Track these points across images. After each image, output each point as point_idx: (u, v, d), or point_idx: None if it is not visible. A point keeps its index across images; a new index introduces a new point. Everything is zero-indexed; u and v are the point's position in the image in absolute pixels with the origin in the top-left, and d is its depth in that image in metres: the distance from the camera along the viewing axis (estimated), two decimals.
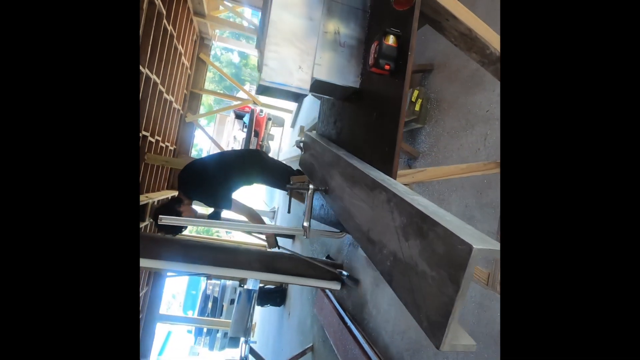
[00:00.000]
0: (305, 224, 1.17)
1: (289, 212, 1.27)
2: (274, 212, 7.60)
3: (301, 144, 1.65)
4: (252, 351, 3.41)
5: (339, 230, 1.32)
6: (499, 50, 1.03)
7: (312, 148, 1.53)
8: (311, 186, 1.19)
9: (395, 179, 0.92)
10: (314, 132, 1.63)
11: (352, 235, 0.96)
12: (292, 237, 5.73)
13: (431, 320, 0.56)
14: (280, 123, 9.33)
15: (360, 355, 2.66)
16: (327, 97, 1.44)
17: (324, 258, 3.63)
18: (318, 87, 1.27)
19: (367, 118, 1.13)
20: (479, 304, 1.64)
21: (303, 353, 3.80)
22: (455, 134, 2.09)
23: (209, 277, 5.69)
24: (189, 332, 8.82)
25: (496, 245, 0.52)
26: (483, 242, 0.52)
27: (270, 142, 9.10)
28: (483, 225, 1.75)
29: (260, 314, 6.81)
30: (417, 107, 2.33)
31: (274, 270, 3.22)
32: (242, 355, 3.36)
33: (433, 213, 0.63)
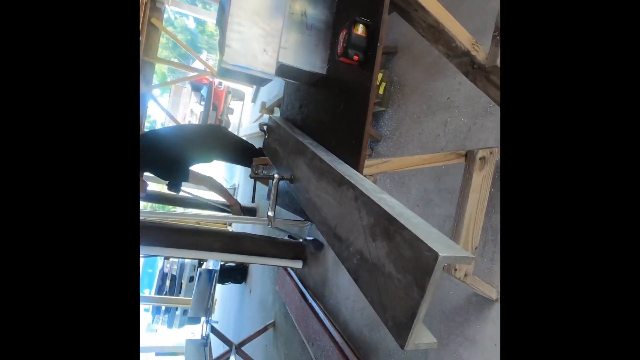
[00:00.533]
0: (270, 213, 1.15)
1: (252, 201, 1.24)
2: (234, 188, 7.45)
3: (265, 127, 1.60)
4: (213, 330, 3.41)
5: (304, 220, 1.31)
6: (464, 44, 1.04)
7: (277, 133, 1.48)
8: (276, 175, 1.17)
9: (362, 172, 0.92)
10: (278, 115, 1.58)
11: (318, 228, 0.96)
12: (253, 214, 5.69)
13: (397, 321, 0.58)
14: (240, 97, 9.00)
15: (321, 330, 2.76)
16: (292, 81, 1.40)
17: (286, 237, 3.65)
18: (284, 71, 1.22)
19: (334, 107, 1.11)
20: None
21: (265, 329, 3.87)
22: (417, 119, 2.13)
23: (166, 256, 5.55)
24: (146, 310, 8.62)
25: (461, 252, 0.54)
26: (449, 249, 0.54)
27: (229, 116, 8.78)
28: (441, 210, 1.84)
29: (221, 290, 6.80)
30: (380, 91, 2.33)
31: (235, 250, 3.18)
32: (203, 335, 3.36)
33: (400, 215, 0.64)
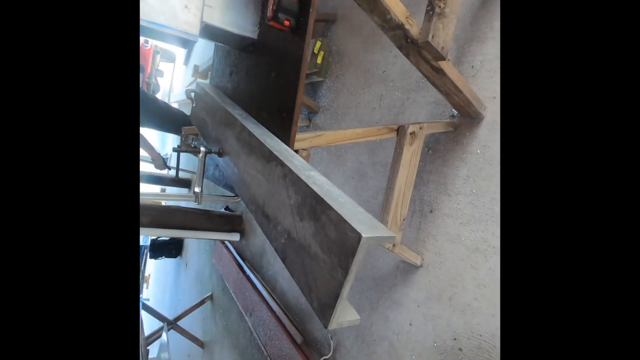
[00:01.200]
0: (197, 189, 1.07)
1: (176, 177, 1.14)
2: (167, 158, 6.96)
3: (192, 95, 1.47)
4: (145, 307, 3.26)
5: (234, 195, 1.25)
6: (399, 17, 1.02)
7: (205, 101, 1.37)
8: (202, 148, 1.08)
9: (293, 147, 0.89)
10: (207, 82, 1.46)
11: (246, 206, 0.92)
12: (188, 186, 5.41)
13: (322, 302, 0.58)
14: (170, 58, 8.22)
15: (258, 301, 2.78)
16: (222, 44, 1.28)
17: (223, 210, 3.54)
18: (209, 33, 1.10)
19: (265, 76, 1.04)
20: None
21: (202, 302, 3.81)
22: (354, 91, 2.13)
23: None
24: None
25: (384, 232, 0.54)
26: (373, 229, 0.53)
27: (159, 79, 8.02)
28: (374, 182, 1.90)
29: (155, 265, 6.49)
30: (319, 60, 2.27)
31: (166, 225, 3.01)
32: None
33: (327, 194, 0.62)
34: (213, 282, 3.89)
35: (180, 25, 1.02)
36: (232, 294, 3.24)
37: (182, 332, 3.68)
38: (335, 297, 0.55)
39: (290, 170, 0.72)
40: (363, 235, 0.51)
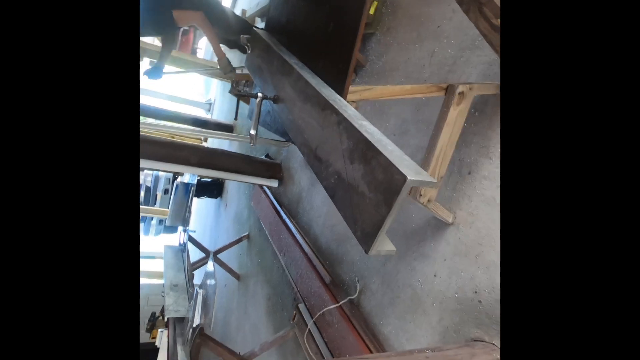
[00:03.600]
0: (252, 131, 1.18)
1: (235, 119, 1.25)
2: (210, 104, 7.19)
3: (248, 43, 1.53)
4: (190, 238, 3.61)
5: (285, 140, 1.35)
6: None
7: (261, 49, 1.43)
8: (260, 94, 1.17)
9: (345, 98, 0.95)
10: (263, 30, 1.51)
11: (299, 149, 1.01)
12: (231, 131, 5.63)
13: (365, 231, 0.68)
14: None
15: (292, 243, 3.00)
16: None
17: (264, 157, 3.71)
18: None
19: (323, 27, 1.08)
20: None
21: (240, 240, 4.13)
22: (405, 46, 2.09)
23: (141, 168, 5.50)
24: None
25: (427, 177, 0.61)
26: (417, 174, 0.61)
27: None
28: (415, 140, 1.92)
29: (197, 204, 7.00)
30: (371, 11, 2.21)
31: (212, 166, 3.23)
32: (181, 242, 3.56)
33: (378, 142, 0.70)
34: (250, 224, 4.18)
35: None
36: (268, 235, 3.50)
37: (221, 264, 4.06)
38: (378, 228, 0.64)
39: (344, 119, 0.79)
40: (408, 177, 0.59)
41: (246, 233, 4.17)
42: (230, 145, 5.46)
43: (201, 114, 7.18)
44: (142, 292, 5.86)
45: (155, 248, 8.00)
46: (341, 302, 2.19)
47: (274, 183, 3.50)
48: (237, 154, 3.41)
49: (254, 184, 3.59)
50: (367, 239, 0.67)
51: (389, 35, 2.22)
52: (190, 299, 2.57)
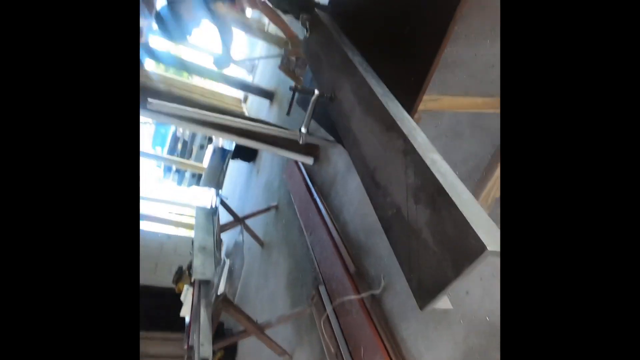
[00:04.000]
0: (304, 129, 1.12)
1: (288, 114, 1.19)
2: (254, 65, 7.11)
3: (307, 25, 1.43)
4: (222, 203, 3.70)
5: (333, 140, 1.28)
6: None
7: (321, 34, 1.33)
8: (316, 91, 1.09)
9: (414, 115, 0.87)
10: (326, 14, 1.39)
11: (352, 162, 0.95)
12: (270, 98, 5.57)
13: (422, 285, 0.62)
14: None
15: (320, 224, 2.99)
16: None
17: None
18: None
19: (397, 27, 0.97)
20: None
21: (268, 209, 4.19)
22: (475, 40, 1.89)
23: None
24: (158, 166, 9.21)
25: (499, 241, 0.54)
26: (495, 242, 0.54)
27: None
28: (468, 145, 1.79)
29: (230, 165, 7.13)
30: None
31: (251, 136, 3.22)
32: (213, 205, 3.66)
33: (451, 187, 0.62)
34: (280, 195, 4.22)
35: None
36: (297, 210, 3.52)
37: (247, 229, 4.16)
38: (439, 289, 0.58)
39: (413, 149, 0.71)
40: (488, 248, 0.52)
41: (275, 203, 4.22)
42: (269, 111, 5.43)
43: (243, 74, 7.13)
44: (171, 242, 6.19)
45: (186, 199, 8.36)
46: (363, 295, 2.19)
47: (309, 160, 3.46)
48: (277, 127, 3.37)
49: (290, 158, 3.56)
50: (424, 295, 0.62)
51: (460, 24, 2.02)
52: (217, 265, 2.66)
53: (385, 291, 2.13)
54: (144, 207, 6.66)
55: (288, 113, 1.15)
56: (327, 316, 2.43)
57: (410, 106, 0.85)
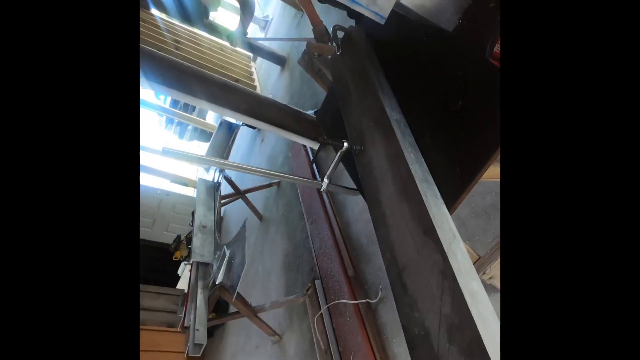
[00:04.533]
0: (326, 180, 1.04)
1: (314, 161, 1.09)
2: (267, 21, 6.70)
3: (339, 41, 1.28)
4: (226, 178, 3.64)
5: (356, 189, 1.20)
6: None
7: (355, 59, 1.20)
8: (345, 144, 1.00)
9: (452, 212, 0.80)
10: (362, 33, 1.24)
11: (377, 240, 0.89)
12: (282, 64, 5.31)
13: None
14: None
15: (322, 215, 2.97)
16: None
17: (313, 112, 3.50)
18: (398, 17, 0.89)
19: (447, 97, 0.86)
20: None
21: (269, 185, 4.15)
22: None
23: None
24: (161, 115, 9.00)
25: None
26: None
27: None
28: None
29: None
30: None
31: (258, 116, 3.08)
32: (215, 180, 3.61)
33: (491, 340, 0.58)
34: (284, 172, 4.15)
35: (368, 1, 0.83)
36: (299, 194, 3.47)
37: (247, 202, 4.14)
38: None
39: (452, 274, 0.66)
40: None
41: (277, 180, 4.17)
42: (279, 78, 5.19)
43: (255, 31, 6.74)
44: (169, 199, 6.20)
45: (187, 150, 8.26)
46: (359, 301, 2.23)
47: (316, 145, 3.36)
48: (288, 108, 3.22)
49: (298, 142, 3.45)
50: None
51: None
52: (216, 249, 2.67)
53: (382, 303, 2.16)
54: (144, 158, 6.60)
55: (314, 160, 1.06)
56: (321, 314, 2.48)
57: (451, 201, 0.77)
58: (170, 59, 2.87)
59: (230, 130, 3.47)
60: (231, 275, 2.23)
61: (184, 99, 2.83)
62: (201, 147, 8.48)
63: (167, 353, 4.92)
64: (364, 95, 1.08)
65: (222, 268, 2.20)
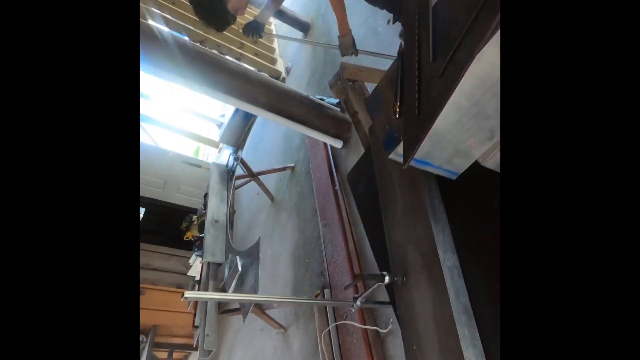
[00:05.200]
0: (358, 303, 0.95)
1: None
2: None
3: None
4: (241, 160, 3.53)
5: (387, 302, 1.10)
6: None
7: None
8: (387, 278, 0.88)
9: None
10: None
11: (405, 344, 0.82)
12: (305, 31, 4.91)
13: None
14: None
15: (337, 222, 2.89)
16: None
17: (335, 104, 3.27)
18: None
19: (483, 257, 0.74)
20: None
21: (283, 169, 4.04)
22: None
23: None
24: None
25: None
26: None
27: None
28: None
29: None
30: None
31: (279, 111, 2.89)
32: (229, 166, 3.50)
33: None
34: (299, 157, 4.00)
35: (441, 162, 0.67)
36: (314, 189, 3.37)
37: (260, 184, 4.07)
38: None
39: None
40: None
41: (292, 165, 4.04)
42: (300, 48, 4.80)
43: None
44: (181, 164, 6.15)
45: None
46: (368, 327, 2.23)
47: (338, 144, 3.18)
48: (310, 102, 3.01)
49: (318, 139, 3.27)
50: None
51: None
52: (228, 251, 2.66)
53: (391, 335, 2.16)
54: (158, 113, 6.44)
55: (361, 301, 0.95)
56: (329, 331, 2.52)
57: None
58: (180, 40, 2.62)
59: (247, 117, 3.28)
60: (242, 291, 2.22)
61: (200, 89, 2.62)
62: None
63: (177, 313, 5.19)
64: (412, 213, 0.93)
65: (233, 282, 2.19)
